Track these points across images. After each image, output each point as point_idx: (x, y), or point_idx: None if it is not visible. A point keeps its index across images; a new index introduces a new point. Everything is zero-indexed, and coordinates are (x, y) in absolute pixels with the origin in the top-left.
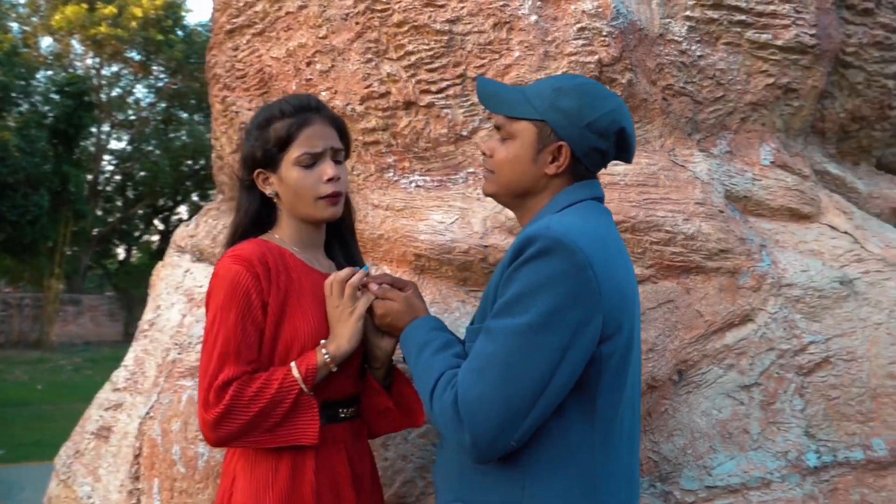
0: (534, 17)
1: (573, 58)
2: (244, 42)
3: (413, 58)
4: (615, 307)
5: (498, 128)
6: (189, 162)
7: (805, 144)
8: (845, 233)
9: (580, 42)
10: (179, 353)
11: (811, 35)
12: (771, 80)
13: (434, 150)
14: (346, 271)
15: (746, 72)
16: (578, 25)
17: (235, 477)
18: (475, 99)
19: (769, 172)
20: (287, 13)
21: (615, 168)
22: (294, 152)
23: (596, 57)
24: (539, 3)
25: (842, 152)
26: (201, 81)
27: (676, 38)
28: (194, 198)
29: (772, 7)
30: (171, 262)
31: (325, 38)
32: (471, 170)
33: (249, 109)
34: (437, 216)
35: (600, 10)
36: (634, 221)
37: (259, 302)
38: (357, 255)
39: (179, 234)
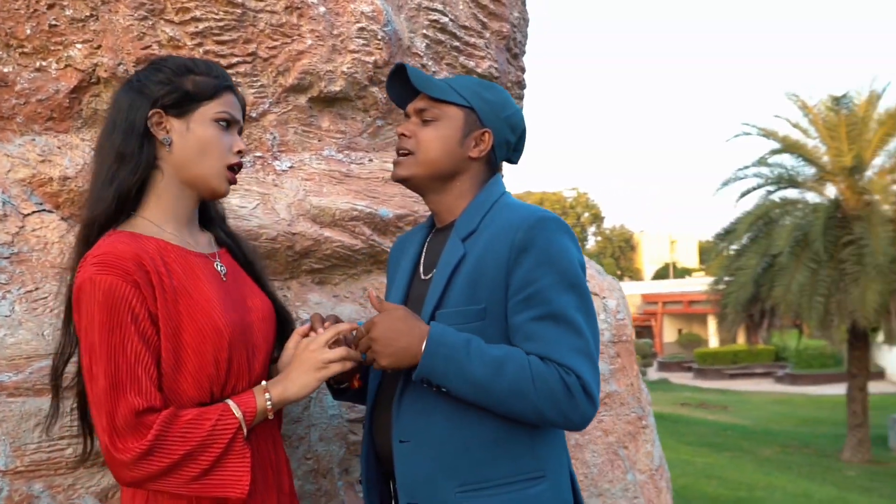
0: (322, 9)
1: (356, 55)
2: None
3: (200, 25)
4: None
5: (419, 111)
6: None
7: None
8: None
9: (360, 41)
10: None
11: (496, 68)
12: None
13: None
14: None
15: None
16: (358, 25)
17: None
18: (265, 80)
19: None
20: None
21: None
22: (215, 108)
23: (373, 58)
24: None
25: None
26: None
27: (419, 52)
28: None
29: (473, 39)
30: None
31: None
32: (258, 154)
33: None
34: (235, 200)
35: (375, 14)
36: (415, 216)
37: (146, 315)
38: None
39: None
